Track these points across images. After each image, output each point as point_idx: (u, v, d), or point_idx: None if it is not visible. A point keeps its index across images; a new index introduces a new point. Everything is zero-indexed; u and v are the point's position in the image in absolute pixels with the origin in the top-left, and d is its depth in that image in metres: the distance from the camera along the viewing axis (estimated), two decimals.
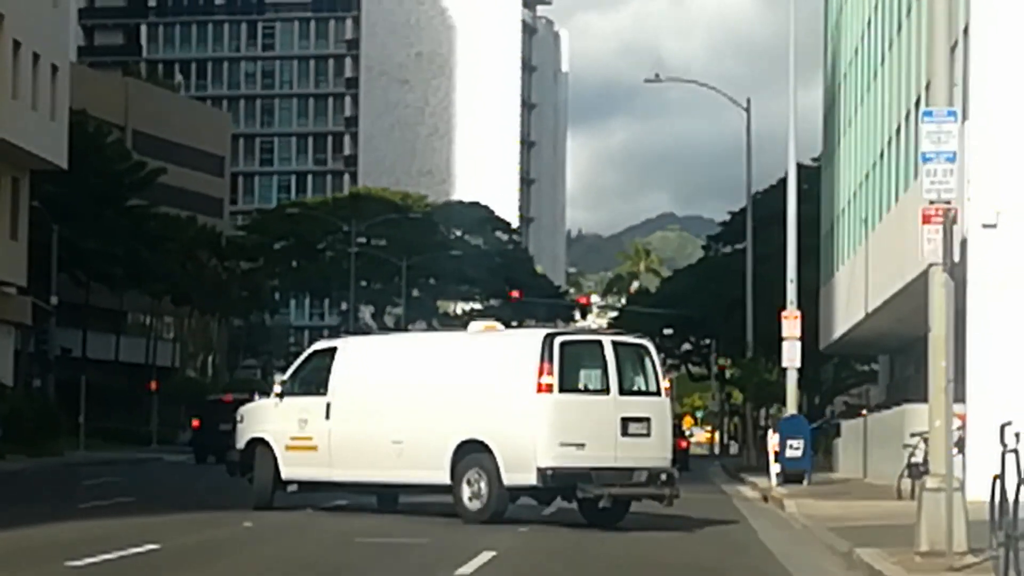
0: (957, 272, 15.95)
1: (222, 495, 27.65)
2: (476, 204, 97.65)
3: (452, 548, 16.64)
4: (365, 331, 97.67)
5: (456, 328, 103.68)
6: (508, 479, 19.37)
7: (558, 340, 19.55)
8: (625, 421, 19.30)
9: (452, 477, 19.91)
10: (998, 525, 13.36)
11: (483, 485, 19.61)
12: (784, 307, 33.96)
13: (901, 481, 25.82)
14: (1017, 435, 13.59)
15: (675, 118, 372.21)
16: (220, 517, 21.37)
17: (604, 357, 19.66)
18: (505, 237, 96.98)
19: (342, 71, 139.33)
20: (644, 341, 20.52)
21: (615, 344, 19.96)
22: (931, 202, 15.38)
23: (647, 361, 20.06)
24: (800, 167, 39.52)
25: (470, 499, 19.74)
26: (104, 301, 78.16)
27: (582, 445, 19.10)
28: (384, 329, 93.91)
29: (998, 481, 13.76)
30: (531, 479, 19.18)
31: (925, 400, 16.16)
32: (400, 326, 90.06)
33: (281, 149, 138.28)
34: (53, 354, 60.42)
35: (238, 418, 23.29)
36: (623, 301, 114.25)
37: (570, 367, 19.49)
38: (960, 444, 19.93)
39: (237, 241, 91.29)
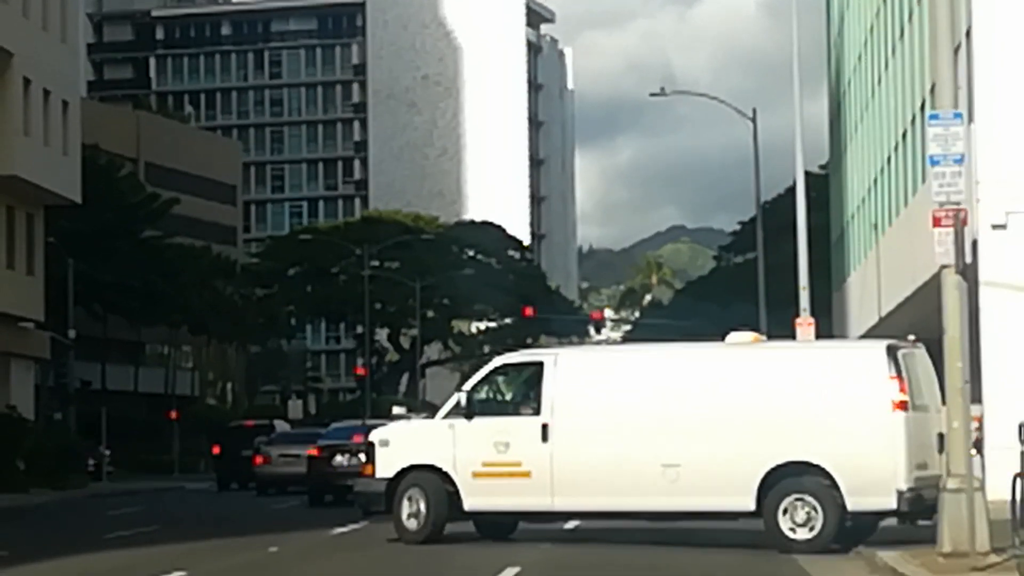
0: (969, 273, 16.06)
1: (246, 521, 27.79)
2: (487, 223, 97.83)
3: (478, 565, 16.74)
4: (382, 353, 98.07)
5: (468, 344, 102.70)
6: (854, 504, 17.56)
7: (900, 352, 18.08)
8: (940, 437, 17.37)
9: (758, 503, 18.03)
10: (1020, 523, 13.46)
11: (812, 511, 17.69)
12: (798, 314, 34.02)
13: None
14: None
15: (682, 132, 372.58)
16: (245, 542, 21.49)
17: (922, 369, 18.34)
18: (517, 255, 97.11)
19: (350, 96, 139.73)
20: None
21: (927, 355, 18.50)
22: (940, 205, 15.50)
23: (932, 372, 18.46)
24: (808, 175, 39.62)
25: (791, 528, 17.77)
26: (122, 333, 78.43)
27: (925, 465, 17.69)
28: (400, 350, 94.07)
29: (1018, 480, 13.87)
30: (888, 503, 17.54)
31: (943, 402, 16.27)
32: (416, 347, 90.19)
33: (292, 176, 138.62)
34: (73, 387, 60.64)
35: (377, 442, 20.19)
36: (637, 315, 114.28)
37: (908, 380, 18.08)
38: (978, 445, 19.98)
39: (251, 268, 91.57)
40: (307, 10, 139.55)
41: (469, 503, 19.39)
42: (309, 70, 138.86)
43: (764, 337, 21.03)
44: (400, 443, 19.96)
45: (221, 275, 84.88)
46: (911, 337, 18.99)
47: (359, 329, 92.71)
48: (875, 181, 41.52)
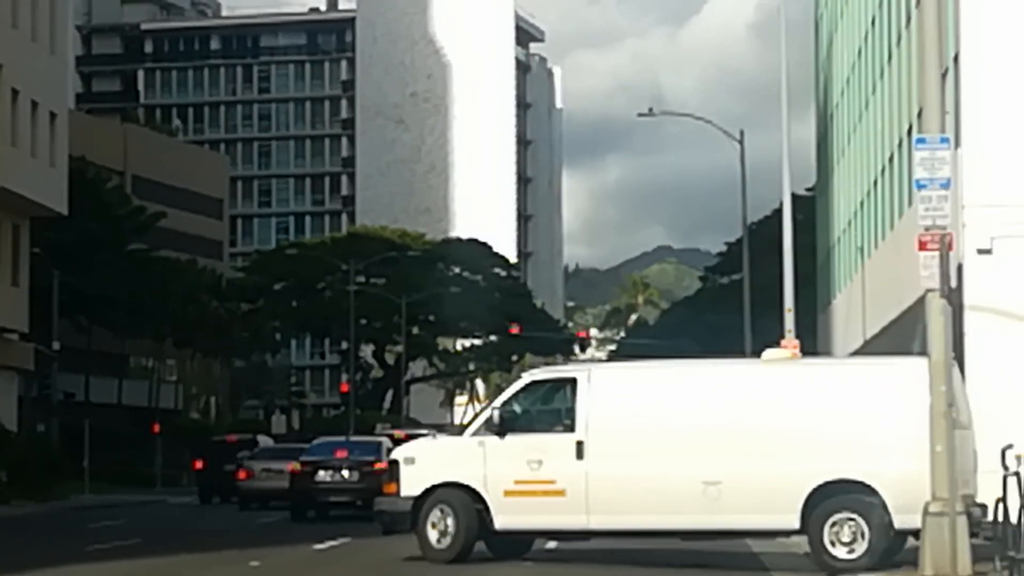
0: (954, 297, 16.12)
1: (228, 536, 27.71)
2: (474, 241, 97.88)
3: None
4: (366, 369, 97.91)
5: (452, 360, 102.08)
6: (901, 521, 17.08)
7: None
8: (974, 455, 17.67)
9: (802, 521, 17.76)
10: (1001, 547, 13.49)
11: (859, 529, 17.37)
12: (783, 336, 34.06)
13: None
14: (1018, 458, 13.74)
15: (670, 153, 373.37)
16: (226, 557, 21.43)
17: (957, 386, 17.89)
18: (504, 273, 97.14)
19: (338, 112, 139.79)
20: None
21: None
22: (926, 228, 15.55)
23: (965, 390, 18.51)
24: (795, 197, 39.69)
25: (833, 544, 17.45)
26: (106, 345, 78.21)
27: (967, 482, 17.26)
28: (385, 367, 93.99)
29: (1000, 504, 13.90)
30: None
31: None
32: (401, 364, 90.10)
33: (279, 191, 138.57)
34: (56, 399, 60.44)
35: (402, 460, 19.57)
36: (622, 334, 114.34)
37: None
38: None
39: (237, 283, 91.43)
40: (296, 25, 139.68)
41: (500, 522, 18.90)
42: (298, 85, 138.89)
43: (799, 353, 20.83)
44: (426, 460, 19.49)
45: (207, 289, 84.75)
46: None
47: (344, 345, 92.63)
48: (861, 204, 41.63)
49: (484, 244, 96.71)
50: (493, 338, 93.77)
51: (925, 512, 15.31)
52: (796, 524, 17.82)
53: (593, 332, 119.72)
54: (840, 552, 17.39)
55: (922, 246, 15.54)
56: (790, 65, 36.69)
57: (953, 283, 16.20)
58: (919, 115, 21.72)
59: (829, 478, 17.59)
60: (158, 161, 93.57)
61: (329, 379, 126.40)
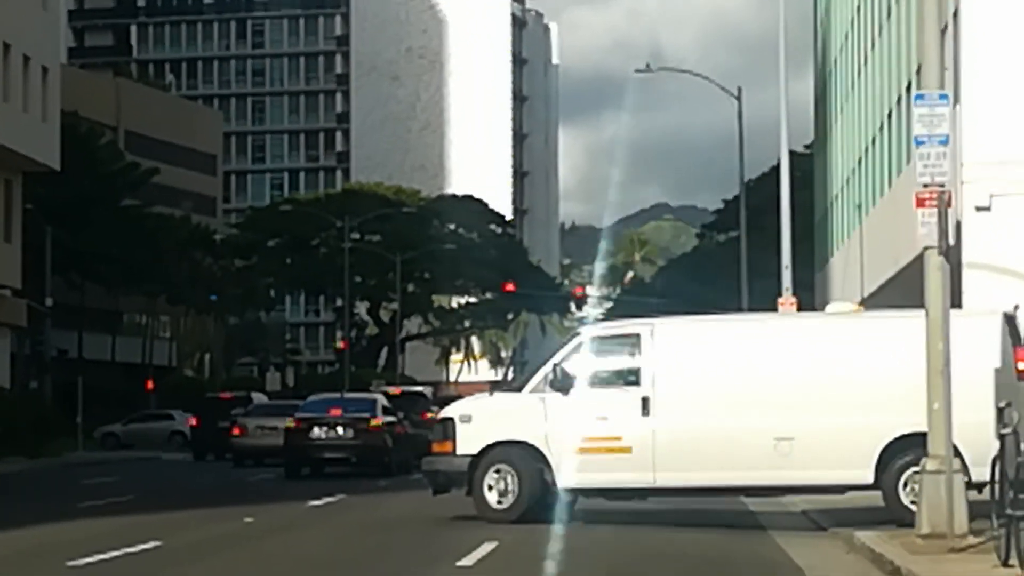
0: (952, 255, 15.99)
1: (222, 492, 27.69)
2: (469, 198, 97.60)
3: (455, 540, 16.67)
4: (361, 326, 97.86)
5: (450, 319, 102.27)
6: (978, 474, 16.48)
7: (1017, 322, 17.73)
8: None
9: (876, 475, 17.74)
10: (998, 506, 13.40)
11: None
12: (780, 294, 33.98)
13: None
14: (1015, 416, 13.64)
15: (667, 110, 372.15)
16: (221, 513, 21.39)
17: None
18: (499, 230, 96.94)
19: (332, 67, 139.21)
20: None
21: None
22: (925, 185, 15.39)
23: None
24: (793, 154, 39.51)
25: (913, 500, 16.84)
26: (99, 302, 78.09)
27: None
28: (380, 324, 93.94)
29: (997, 462, 13.80)
30: None
31: None
32: (396, 321, 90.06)
33: (273, 146, 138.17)
34: (49, 356, 60.35)
35: (458, 418, 19.10)
36: (618, 292, 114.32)
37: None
38: None
39: (231, 239, 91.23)
40: None
41: (563, 480, 18.58)
42: (292, 40, 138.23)
43: (863, 308, 20.56)
44: (484, 418, 19.03)
45: (200, 245, 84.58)
46: (1016, 306, 18.59)
47: (339, 302, 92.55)
48: (860, 161, 41.48)
49: (480, 201, 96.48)
50: (488, 295, 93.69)
51: (923, 471, 15.23)
52: (870, 479, 17.81)
53: (589, 290, 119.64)
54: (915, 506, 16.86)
55: (920, 203, 15.39)
56: (789, 21, 36.47)
57: (951, 240, 16.06)
58: (918, 71, 21.52)
59: (905, 431, 17.43)
60: (151, 116, 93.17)
61: (323, 336, 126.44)
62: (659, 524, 18.74)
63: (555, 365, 18.68)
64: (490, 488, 18.79)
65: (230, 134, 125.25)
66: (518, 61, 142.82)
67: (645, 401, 18.38)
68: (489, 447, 18.79)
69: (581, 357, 18.83)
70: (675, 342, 18.75)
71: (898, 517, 17.35)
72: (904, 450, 17.59)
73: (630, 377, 18.61)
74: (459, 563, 14.47)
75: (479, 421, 19.00)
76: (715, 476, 18.27)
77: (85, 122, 72.41)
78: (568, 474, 18.54)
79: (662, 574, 13.69)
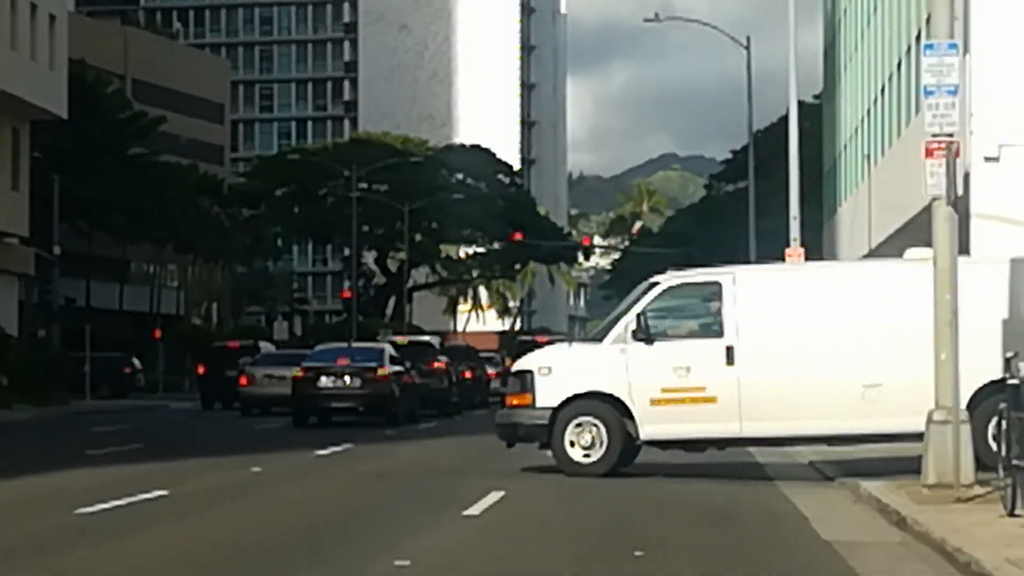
0: (960, 205, 15.94)
1: (229, 441, 27.79)
2: (477, 147, 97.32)
3: (461, 489, 16.72)
4: (369, 276, 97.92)
5: (456, 270, 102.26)
6: None
7: None
8: None
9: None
10: (1004, 456, 13.42)
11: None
12: (788, 244, 33.93)
13: None
14: (1022, 366, 13.63)
15: (676, 60, 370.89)
16: (228, 462, 21.47)
17: None
18: (507, 180, 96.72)
19: (340, 16, 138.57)
20: None
21: None
22: (933, 136, 15.34)
23: None
24: (801, 105, 39.35)
25: (998, 442, 16.44)
26: (107, 250, 78.11)
27: None
28: (388, 274, 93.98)
29: (1005, 413, 13.81)
30: None
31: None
32: (403, 271, 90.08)
33: (281, 95, 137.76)
34: (57, 304, 60.43)
35: (537, 369, 18.72)
36: (626, 242, 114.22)
37: None
38: None
39: (238, 188, 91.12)
40: None
41: (647, 431, 18.34)
42: None
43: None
44: (565, 370, 18.67)
45: (208, 194, 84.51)
46: None
47: (346, 251, 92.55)
48: (868, 112, 41.29)
49: (487, 151, 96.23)
50: (496, 245, 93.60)
51: (929, 420, 15.24)
52: None
53: (596, 240, 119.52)
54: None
55: (928, 153, 15.33)
56: None
57: (959, 191, 15.99)
58: (927, 21, 21.39)
59: (994, 377, 16.82)
60: (159, 65, 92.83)
61: (331, 286, 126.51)
62: (668, 476, 18.78)
63: (638, 315, 18.37)
64: (572, 444, 18.49)
65: (237, 83, 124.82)
66: (526, 10, 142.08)
67: (729, 350, 18.19)
68: (570, 399, 18.49)
69: (660, 307, 18.55)
70: (757, 290, 18.55)
71: (988, 461, 16.69)
72: (993, 395, 17.05)
73: (713, 326, 18.40)
74: (465, 512, 14.52)
75: (560, 373, 18.68)
76: (802, 425, 18.11)
77: (92, 70, 72.19)
78: (651, 426, 18.33)
79: (669, 524, 13.73)
